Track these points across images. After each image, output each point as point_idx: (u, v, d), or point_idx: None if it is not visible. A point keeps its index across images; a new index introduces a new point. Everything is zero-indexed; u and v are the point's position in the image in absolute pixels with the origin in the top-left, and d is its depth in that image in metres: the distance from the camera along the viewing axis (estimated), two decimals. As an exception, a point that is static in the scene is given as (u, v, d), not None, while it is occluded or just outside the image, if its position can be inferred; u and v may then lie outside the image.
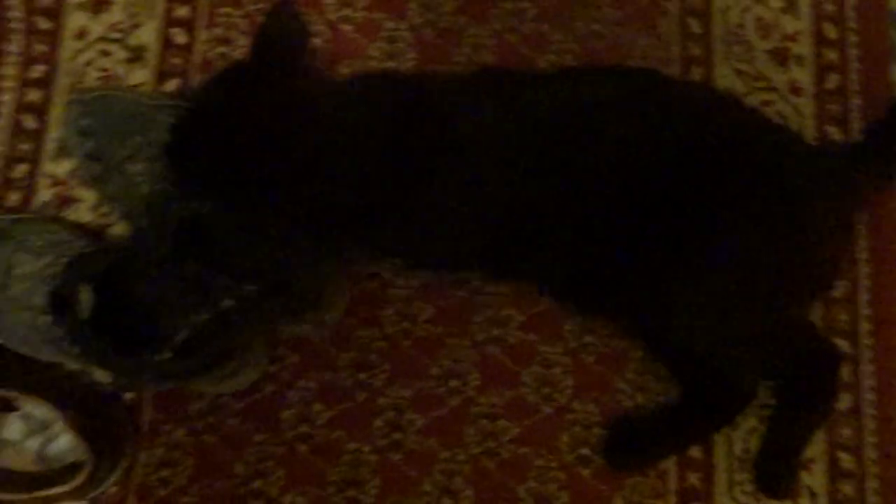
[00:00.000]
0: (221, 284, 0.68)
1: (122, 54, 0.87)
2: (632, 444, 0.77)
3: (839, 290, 0.81)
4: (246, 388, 0.79)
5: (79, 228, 0.80)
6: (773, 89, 0.87)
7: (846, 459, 0.77)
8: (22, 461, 0.74)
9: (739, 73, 0.87)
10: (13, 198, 0.83)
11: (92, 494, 0.75)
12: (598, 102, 0.71)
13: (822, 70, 0.88)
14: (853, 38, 0.88)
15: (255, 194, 0.65)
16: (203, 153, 0.66)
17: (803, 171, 0.71)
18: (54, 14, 0.88)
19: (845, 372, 0.79)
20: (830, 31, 0.89)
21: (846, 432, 0.78)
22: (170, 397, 0.79)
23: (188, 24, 0.88)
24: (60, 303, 0.66)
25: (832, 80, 0.87)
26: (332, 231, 0.71)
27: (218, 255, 0.70)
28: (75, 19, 0.88)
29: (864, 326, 0.80)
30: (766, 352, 0.72)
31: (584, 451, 0.78)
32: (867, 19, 0.89)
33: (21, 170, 0.84)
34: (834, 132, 0.86)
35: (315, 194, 0.67)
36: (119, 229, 0.82)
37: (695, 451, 0.78)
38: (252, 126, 0.64)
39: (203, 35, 0.87)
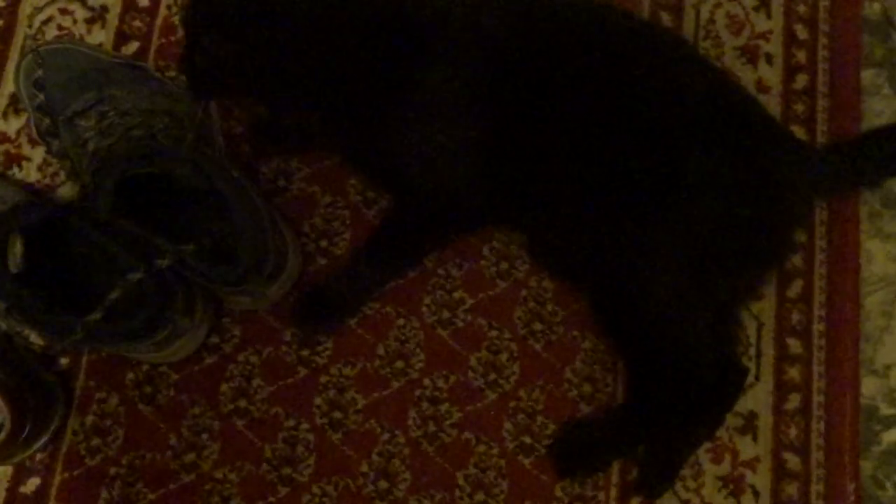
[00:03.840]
0: (158, 245, 0.66)
1: (82, 14, 0.85)
2: (580, 450, 0.75)
3: (794, 290, 0.80)
4: (185, 359, 0.77)
5: (23, 188, 0.78)
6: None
7: (792, 461, 0.76)
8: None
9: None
10: (-41, 153, 0.81)
11: (17, 459, 0.73)
12: (579, 32, 0.71)
13: (791, 70, 0.87)
14: (824, 41, 0.88)
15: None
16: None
17: (777, 149, 0.72)
18: (16, -30, 0.86)
19: (796, 372, 0.78)
20: (801, 32, 0.88)
21: (793, 433, 0.76)
22: (105, 365, 0.77)
23: (152, -12, 0.86)
24: (-11, 254, 0.64)
25: (800, 81, 0.86)
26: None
27: (156, 213, 0.68)
28: (37, -24, 0.86)
29: (817, 327, 0.79)
30: (700, 331, 0.70)
31: (527, 439, 0.76)
32: (839, 23, 0.88)
33: (-30, 125, 0.82)
34: (799, 132, 0.84)
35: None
36: (66, 191, 0.80)
37: (638, 445, 0.76)
38: None
39: (167, -1, 0.86)
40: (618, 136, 0.67)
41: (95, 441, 0.76)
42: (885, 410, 0.78)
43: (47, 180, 0.81)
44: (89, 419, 0.76)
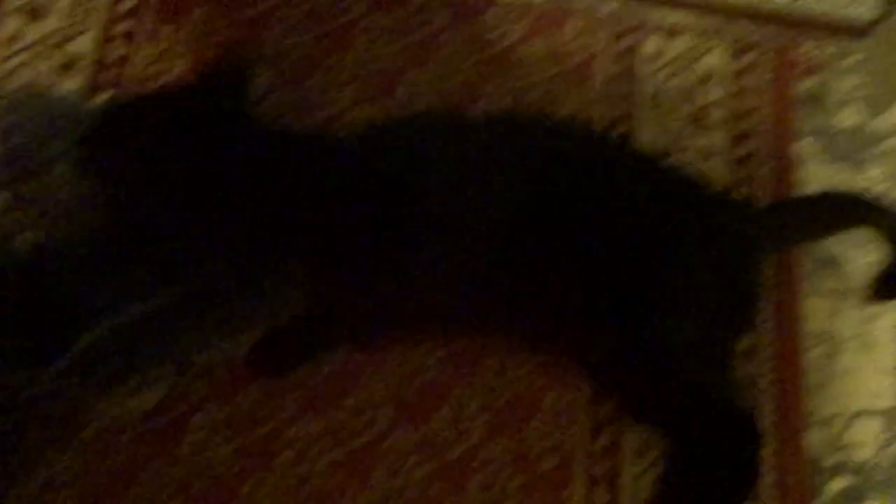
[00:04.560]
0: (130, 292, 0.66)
1: (56, 60, 0.85)
2: None
3: (742, 345, 0.84)
4: (146, 413, 0.75)
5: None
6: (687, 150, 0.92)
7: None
8: None
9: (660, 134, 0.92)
10: (-82, 197, 0.79)
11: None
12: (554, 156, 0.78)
13: (738, 138, 0.93)
14: (766, 112, 0.95)
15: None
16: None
17: (733, 215, 0.81)
18: (-13, 16, 0.86)
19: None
20: (748, 102, 0.95)
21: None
22: (60, 418, 0.74)
23: (128, 38, 0.87)
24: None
25: (744, 147, 0.93)
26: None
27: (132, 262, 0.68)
28: (10, 24, 0.86)
29: (766, 380, 0.83)
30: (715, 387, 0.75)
31: (495, 493, 0.77)
32: (777, 96, 0.96)
33: (-69, 169, 0.80)
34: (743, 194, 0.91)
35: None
36: (28, 236, 0.79)
37: (602, 494, 0.78)
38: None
39: (143, 50, 0.87)
40: (609, 245, 0.75)
41: (48, 496, 0.73)
42: (827, 462, 0.82)
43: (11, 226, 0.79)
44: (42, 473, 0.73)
